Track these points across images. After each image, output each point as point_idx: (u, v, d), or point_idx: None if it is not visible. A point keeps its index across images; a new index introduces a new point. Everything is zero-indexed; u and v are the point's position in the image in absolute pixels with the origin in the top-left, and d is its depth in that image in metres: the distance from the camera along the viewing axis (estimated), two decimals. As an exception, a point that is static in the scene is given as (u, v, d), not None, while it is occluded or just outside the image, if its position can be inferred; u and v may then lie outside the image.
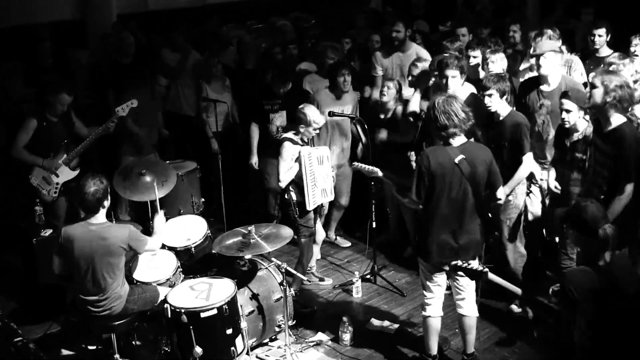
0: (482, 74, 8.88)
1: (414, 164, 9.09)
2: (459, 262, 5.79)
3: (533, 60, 8.43)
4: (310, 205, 7.97)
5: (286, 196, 8.09)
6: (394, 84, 9.07)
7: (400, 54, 9.92)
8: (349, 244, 9.93)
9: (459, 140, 6.53)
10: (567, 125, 7.27)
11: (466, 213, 6.56)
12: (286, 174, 7.94)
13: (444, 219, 6.54)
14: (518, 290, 5.72)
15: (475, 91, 8.38)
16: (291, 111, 8.98)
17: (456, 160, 6.43)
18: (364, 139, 9.06)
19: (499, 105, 7.53)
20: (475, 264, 5.78)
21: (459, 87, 8.19)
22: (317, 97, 9.33)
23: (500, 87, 7.47)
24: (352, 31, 12.00)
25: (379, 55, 10.14)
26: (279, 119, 9.49)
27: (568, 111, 7.20)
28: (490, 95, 7.50)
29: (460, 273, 5.84)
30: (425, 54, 9.79)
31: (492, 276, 5.76)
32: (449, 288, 7.02)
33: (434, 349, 7.04)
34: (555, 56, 8.04)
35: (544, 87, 8.08)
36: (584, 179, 7.06)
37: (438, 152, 6.53)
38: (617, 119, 6.69)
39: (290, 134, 8.12)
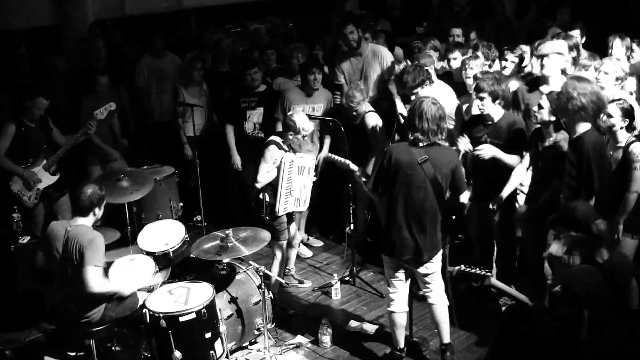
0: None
1: None
2: (462, 267, 5.85)
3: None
4: (280, 211, 7.99)
5: (260, 196, 8.10)
6: (357, 90, 8.99)
7: (358, 57, 9.78)
8: (321, 243, 9.96)
9: (427, 140, 6.55)
10: (535, 121, 7.34)
11: (426, 214, 6.60)
12: (264, 175, 7.94)
13: (404, 217, 6.61)
14: (524, 298, 5.75)
15: (447, 89, 8.46)
16: (267, 108, 9.19)
17: (419, 160, 6.48)
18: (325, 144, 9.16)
19: (491, 108, 7.54)
20: (479, 270, 5.84)
21: (430, 91, 8.08)
22: (287, 94, 9.40)
23: (494, 90, 7.47)
24: (325, 36, 11.99)
25: (338, 61, 9.95)
26: (256, 115, 9.56)
27: (540, 107, 7.26)
28: (482, 99, 7.52)
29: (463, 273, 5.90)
30: (382, 50, 9.79)
31: (494, 281, 5.82)
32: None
33: (401, 342, 7.16)
34: (560, 58, 8.05)
35: (543, 88, 7.98)
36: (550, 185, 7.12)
37: (402, 149, 6.60)
38: (581, 127, 6.74)
39: (278, 138, 8.12)
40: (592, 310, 5.17)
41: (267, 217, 8.09)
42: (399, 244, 6.67)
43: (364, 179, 7.36)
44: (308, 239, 9.97)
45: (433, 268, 6.84)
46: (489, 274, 5.81)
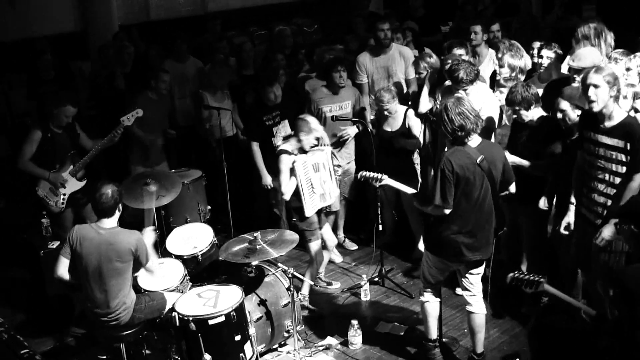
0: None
1: (417, 167, 9.09)
2: (516, 275, 5.79)
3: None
4: (309, 212, 7.97)
5: (291, 203, 8.10)
6: (385, 90, 8.92)
7: (383, 55, 9.83)
8: (355, 247, 9.90)
9: (475, 140, 6.54)
10: (564, 126, 7.25)
11: (485, 212, 6.58)
12: (287, 186, 7.91)
13: (463, 219, 6.54)
14: (579, 304, 5.66)
15: (487, 91, 8.40)
16: (292, 117, 9.00)
17: (477, 161, 6.44)
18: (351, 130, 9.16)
19: (527, 115, 7.46)
20: (533, 275, 5.77)
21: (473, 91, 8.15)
22: (314, 95, 9.37)
23: (526, 98, 7.38)
24: (348, 36, 11.97)
25: (361, 60, 9.96)
26: (283, 129, 9.41)
27: (562, 111, 7.17)
28: (516, 111, 7.46)
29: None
30: (407, 51, 9.77)
31: (548, 287, 5.75)
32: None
33: (434, 334, 7.14)
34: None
35: (566, 88, 7.66)
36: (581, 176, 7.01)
37: (459, 155, 6.50)
38: (619, 114, 6.65)
39: (286, 145, 8.09)
40: None
41: (299, 221, 8.08)
42: (454, 244, 6.61)
43: (418, 204, 7.21)
44: (344, 240, 9.92)
45: (481, 268, 6.83)
46: (542, 279, 5.73)
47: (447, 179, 6.43)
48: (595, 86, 6.46)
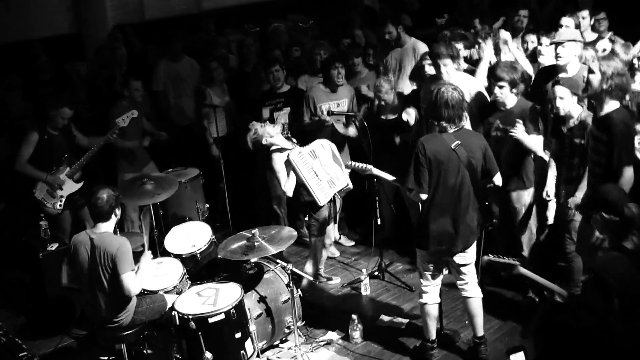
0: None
1: None
2: (491, 257, 5.80)
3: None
4: (322, 201, 7.92)
5: (301, 199, 8.07)
6: (385, 80, 9.00)
7: (399, 48, 9.85)
8: (352, 243, 9.90)
9: (454, 126, 6.55)
10: (562, 113, 7.25)
11: (463, 200, 6.58)
12: (287, 183, 7.88)
13: (441, 207, 6.57)
14: (555, 287, 5.68)
15: (471, 80, 8.39)
16: (293, 108, 9.09)
17: (452, 146, 6.45)
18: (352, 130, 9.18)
19: (507, 96, 7.51)
20: (508, 259, 5.78)
21: (454, 74, 8.17)
22: (311, 92, 9.34)
23: (512, 78, 7.44)
24: (346, 32, 11.97)
25: (383, 57, 10.04)
26: (284, 116, 9.48)
27: (561, 98, 7.18)
28: (501, 87, 7.48)
29: (491, 263, 5.84)
30: (423, 46, 9.78)
31: (523, 270, 5.76)
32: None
33: (433, 334, 7.14)
34: (575, 45, 7.94)
35: (562, 76, 7.77)
36: (582, 164, 7.04)
37: (434, 139, 6.55)
38: (610, 106, 6.67)
39: (274, 146, 8.02)
40: (623, 298, 5.12)
41: (315, 215, 8.06)
42: (436, 234, 6.63)
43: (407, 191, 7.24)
44: (340, 237, 9.88)
45: (469, 258, 6.82)
46: (517, 262, 5.74)
47: (420, 163, 6.48)
48: (561, 98, 6.85)
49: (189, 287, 7.35)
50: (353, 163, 7.73)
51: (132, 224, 9.64)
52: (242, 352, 6.83)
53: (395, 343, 7.54)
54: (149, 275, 7.15)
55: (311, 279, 8.01)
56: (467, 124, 7.04)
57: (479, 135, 6.90)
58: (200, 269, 7.86)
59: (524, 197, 7.72)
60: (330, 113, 8.86)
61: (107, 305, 6.71)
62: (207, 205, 9.31)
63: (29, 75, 10.77)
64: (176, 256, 7.79)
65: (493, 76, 7.58)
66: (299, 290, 7.50)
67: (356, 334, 7.60)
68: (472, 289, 6.92)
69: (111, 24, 12.74)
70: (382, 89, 8.87)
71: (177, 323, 6.75)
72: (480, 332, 7.04)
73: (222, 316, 6.70)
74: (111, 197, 6.64)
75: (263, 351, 7.32)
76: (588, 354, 4.05)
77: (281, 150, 7.94)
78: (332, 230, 8.67)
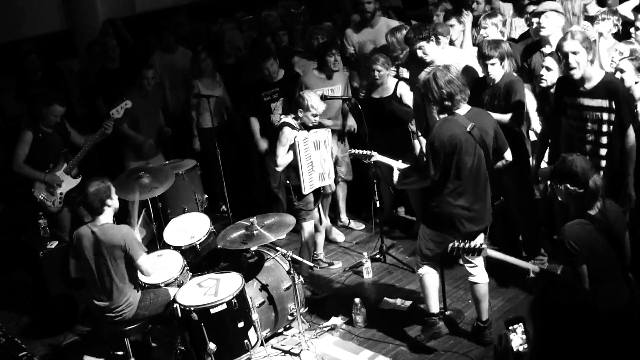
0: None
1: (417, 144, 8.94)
2: (456, 244, 5.77)
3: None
4: (306, 189, 7.90)
5: (287, 182, 8.05)
6: (383, 57, 8.91)
7: (370, 29, 9.79)
8: (362, 226, 9.80)
9: (464, 107, 6.49)
10: (544, 84, 7.21)
11: (481, 180, 6.53)
12: (283, 158, 7.86)
13: (460, 190, 6.48)
14: (526, 265, 5.67)
15: (458, 53, 8.38)
16: (290, 96, 8.97)
17: (468, 129, 6.38)
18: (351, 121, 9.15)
19: (499, 72, 7.46)
20: (474, 243, 5.76)
21: (437, 53, 8.07)
22: (306, 78, 9.27)
23: (501, 53, 7.39)
24: (336, 15, 11.90)
25: (349, 33, 10.00)
26: (281, 106, 9.41)
27: (548, 69, 7.15)
28: (493, 65, 7.41)
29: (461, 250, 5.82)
30: (395, 24, 9.70)
31: (491, 252, 5.74)
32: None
33: (436, 307, 7.08)
34: (558, 16, 7.88)
35: (546, 49, 7.83)
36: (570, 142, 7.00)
37: (449, 125, 6.44)
38: (598, 73, 6.64)
39: (289, 119, 8.02)
40: (590, 264, 5.20)
41: (296, 199, 8.03)
42: (452, 217, 6.54)
43: (402, 178, 7.19)
44: (349, 222, 9.86)
45: (480, 240, 6.69)
46: (484, 246, 5.71)
47: (437, 152, 6.38)
48: (575, 53, 6.49)
49: (190, 279, 7.33)
50: (356, 151, 7.69)
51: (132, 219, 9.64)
52: (246, 341, 6.81)
53: (399, 325, 7.52)
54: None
55: (310, 264, 7.96)
56: None
57: (489, 114, 6.82)
58: (201, 260, 7.84)
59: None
60: (323, 98, 8.81)
61: (108, 297, 6.73)
62: (206, 196, 9.29)
63: (21, 74, 10.72)
64: (176, 248, 7.79)
65: (482, 56, 7.50)
66: (299, 276, 7.49)
67: (359, 318, 7.59)
68: (479, 273, 6.84)
69: (102, 19, 12.67)
70: (378, 62, 8.77)
71: (180, 315, 6.74)
72: (485, 317, 7.00)
73: (224, 306, 6.68)
74: (100, 190, 6.62)
75: (267, 339, 7.30)
76: (583, 328, 4.03)
77: (292, 126, 7.91)
78: (324, 215, 8.64)
